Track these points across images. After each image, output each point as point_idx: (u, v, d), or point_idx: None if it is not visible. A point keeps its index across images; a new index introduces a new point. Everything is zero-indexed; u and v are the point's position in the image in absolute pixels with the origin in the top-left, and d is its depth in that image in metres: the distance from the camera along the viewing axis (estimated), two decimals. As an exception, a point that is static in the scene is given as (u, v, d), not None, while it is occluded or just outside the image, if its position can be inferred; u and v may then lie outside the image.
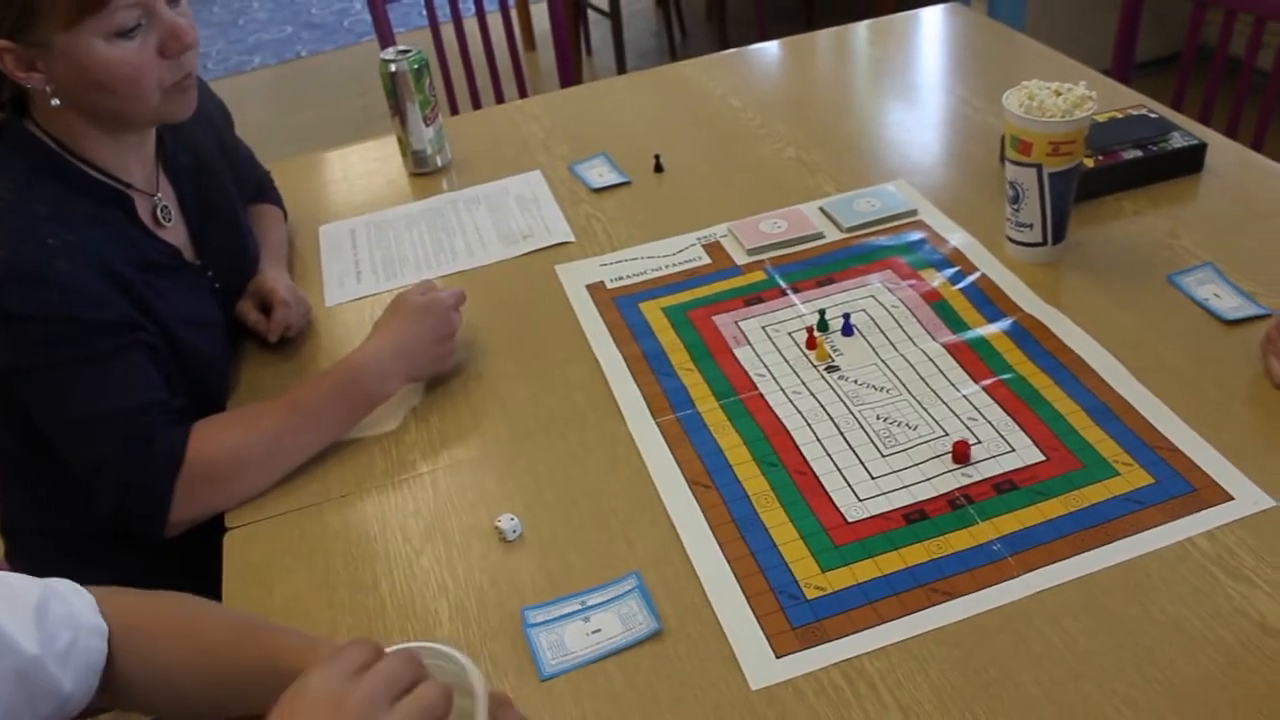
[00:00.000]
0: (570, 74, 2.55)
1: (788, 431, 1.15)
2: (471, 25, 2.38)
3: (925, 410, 1.15)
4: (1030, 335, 1.24)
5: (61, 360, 1.10)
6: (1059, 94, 1.26)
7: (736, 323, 1.32)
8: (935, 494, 1.05)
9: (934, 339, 1.25)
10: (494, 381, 1.28)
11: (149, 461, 1.11)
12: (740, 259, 1.44)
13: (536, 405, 1.24)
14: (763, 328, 1.30)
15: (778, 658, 0.92)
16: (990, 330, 1.26)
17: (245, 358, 1.37)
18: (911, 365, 1.22)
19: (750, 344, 1.28)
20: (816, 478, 1.09)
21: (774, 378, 1.22)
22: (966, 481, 1.06)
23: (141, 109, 1.15)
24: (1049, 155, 1.26)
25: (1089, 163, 1.44)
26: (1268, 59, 1.89)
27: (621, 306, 1.37)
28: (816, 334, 1.27)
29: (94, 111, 1.15)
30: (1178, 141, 1.48)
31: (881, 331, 1.27)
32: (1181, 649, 0.88)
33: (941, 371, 1.21)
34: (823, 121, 1.77)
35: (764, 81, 1.98)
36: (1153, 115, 1.54)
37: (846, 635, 0.93)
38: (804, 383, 1.21)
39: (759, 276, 1.40)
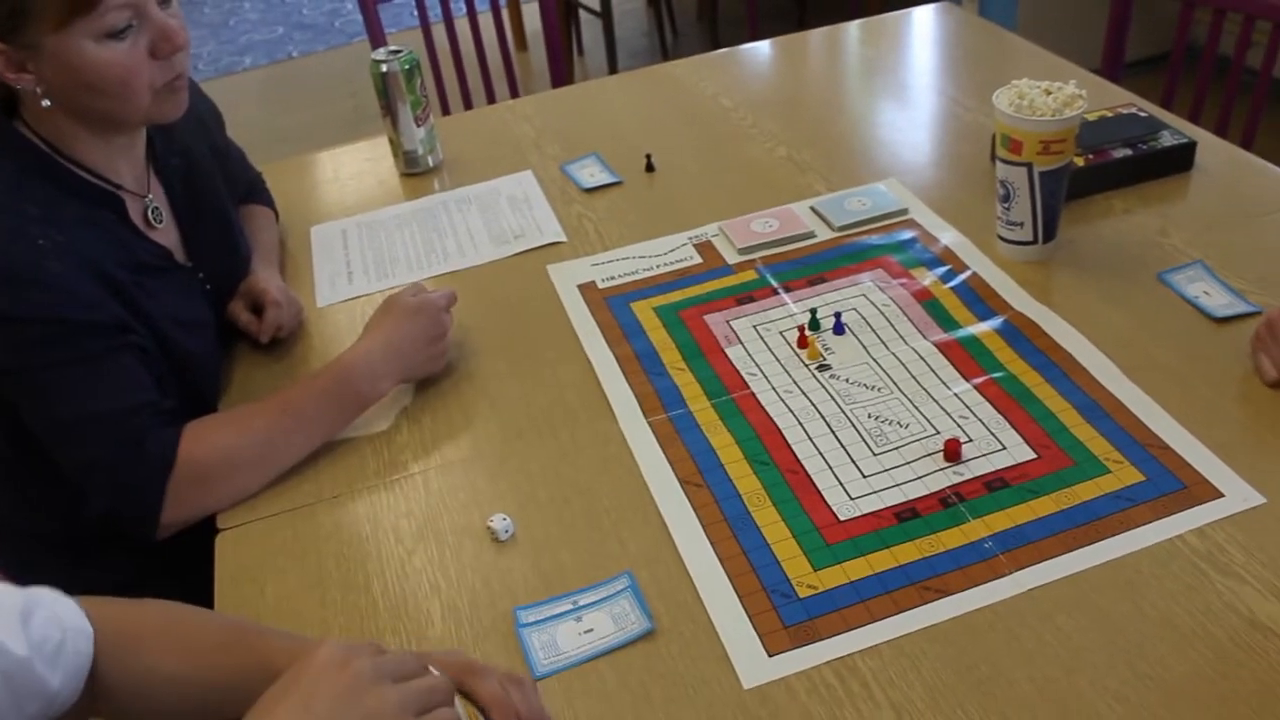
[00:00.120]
0: (562, 74, 2.55)
1: (779, 430, 1.15)
2: (463, 25, 2.38)
3: (917, 408, 1.16)
4: (1021, 333, 1.24)
5: (52, 362, 1.09)
6: (1049, 93, 1.26)
7: (728, 322, 1.32)
8: (927, 492, 1.05)
9: (925, 337, 1.26)
10: (485, 381, 1.28)
11: (140, 463, 1.11)
12: (731, 258, 1.44)
13: (528, 405, 1.24)
14: (754, 327, 1.31)
15: (770, 656, 0.92)
16: (981, 328, 1.26)
17: (237, 359, 1.37)
18: (903, 364, 1.22)
19: (742, 343, 1.28)
20: (808, 476, 1.09)
21: (765, 377, 1.23)
22: (958, 479, 1.06)
23: (132, 110, 1.15)
24: (1039, 154, 1.26)
25: (1079, 161, 1.44)
26: (1257, 58, 1.90)
27: (613, 306, 1.37)
28: (808, 333, 1.27)
29: (85, 113, 1.14)
30: (1167, 140, 1.49)
31: (873, 330, 1.28)
32: (1172, 645, 0.89)
33: (933, 370, 1.21)
34: (814, 121, 1.77)
35: (755, 81, 1.98)
36: (1143, 114, 1.55)
37: (839, 634, 0.93)
38: (795, 381, 1.21)
39: (750, 276, 1.40)
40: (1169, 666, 0.87)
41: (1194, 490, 1.02)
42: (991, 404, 1.15)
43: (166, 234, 1.28)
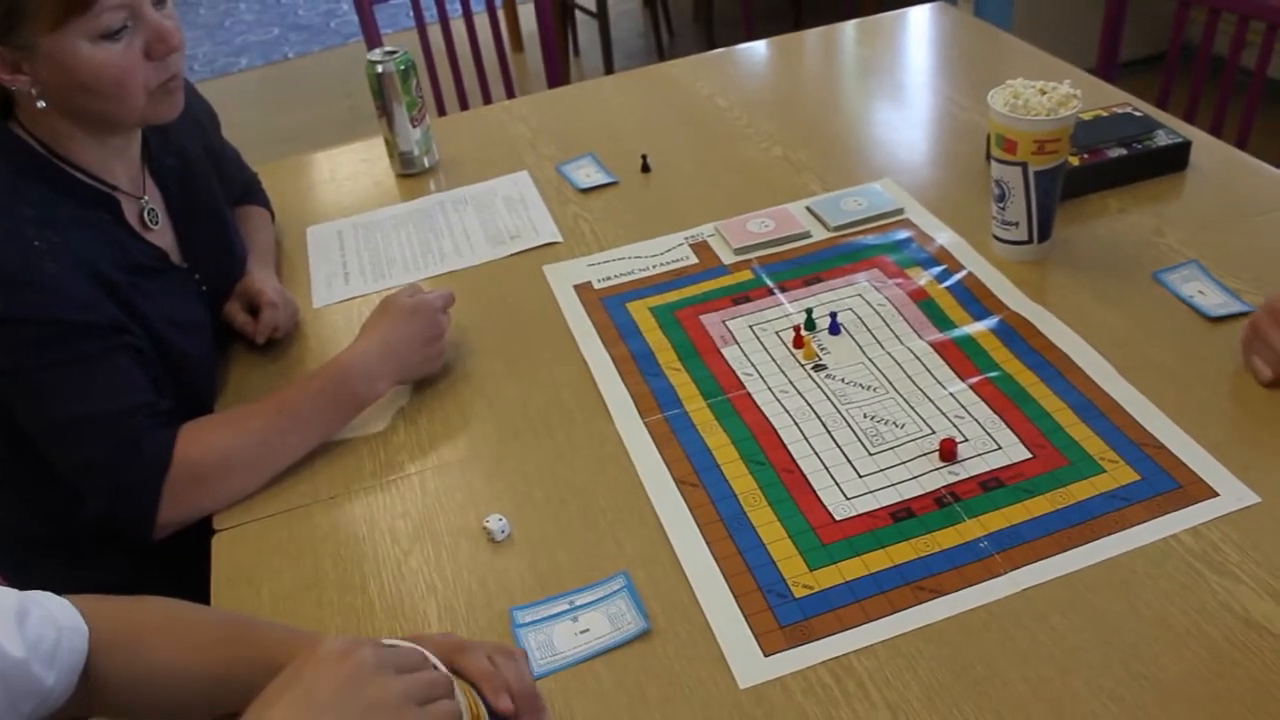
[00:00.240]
0: (557, 74, 2.55)
1: (775, 430, 1.15)
2: (458, 26, 2.38)
3: (912, 408, 1.16)
4: (1016, 333, 1.24)
5: (48, 363, 1.09)
6: (1044, 92, 1.27)
7: (724, 322, 1.32)
8: (922, 492, 1.06)
9: (921, 337, 1.26)
10: (482, 382, 1.28)
11: (136, 464, 1.11)
12: (727, 258, 1.44)
13: (524, 405, 1.24)
14: (750, 327, 1.31)
15: (766, 656, 0.92)
16: (977, 328, 1.26)
17: (233, 359, 1.37)
18: (898, 364, 1.22)
19: (738, 343, 1.28)
20: (804, 476, 1.09)
21: (761, 377, 1.23)
22: (953, 479, 1.06)
23: (127, 111, 1.15)
24: (1034, 154, 1.26)
25: (1074, 161, 1.44)
26: (1251, 57, 1.90)
27: (609, 306, 1.37)
28: (804, 333, 1.27)
29: (80, 114, 1.14)
30: (1162, 140, 1.49)
31: (868, 330, 1.28)
32: (1167, 644, 0.89)
33: (928, 370, 1.21)
34: (809, 121, 1.78)
35: (751, 81, 1.99)
36: (1138, 114, 1.55)
37: (834, 633, 0.93)
38: (791, 382, 1.21)
39: (746, 276, 1.40)
40: (1164, 666, 0.87)
41: (1189, 490, 1.02)
42: (987, 404, 1.15)
43: (162, 235, 1.28)
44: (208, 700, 0.89)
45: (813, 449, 1.12)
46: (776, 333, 1.29)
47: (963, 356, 1.22)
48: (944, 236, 1.43)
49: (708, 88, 1.92)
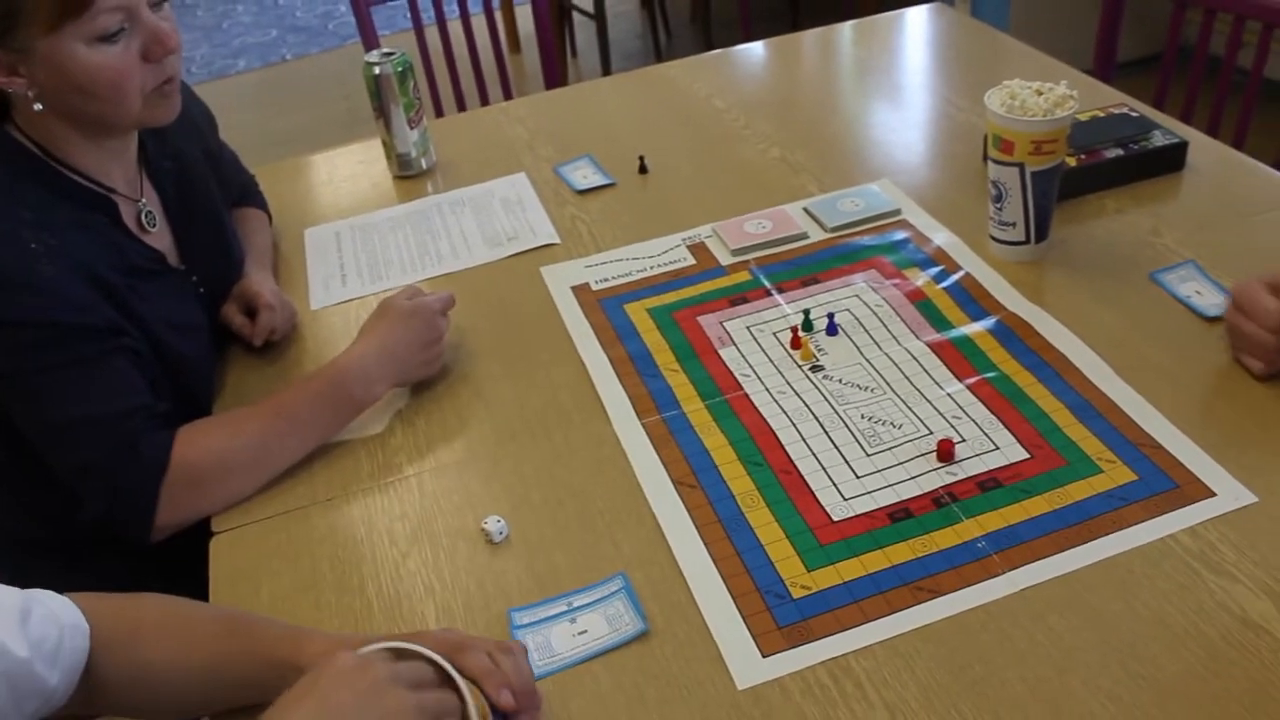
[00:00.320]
0: (555, 76, 2.55)
1: (773, 431, 1.15)
2: (456, 27, 2.38)
3: (910, 409, 1.16)
4: (1014, 333, 1.24)
5: (45, 365, 1.09)
6: (1040, 93, 1.27)
7: (721, 323, 1.32)
8: (920, 492, 1.06)
9: (918, 338, 1.26)
10: (479, 383, 1.28)
11: (134, 466, 1.11)
12: (725, 260, 1.44)
13: (522, 407, 1.24)
14: (747, 328, 1.31)
15: (764, 657, 0.92)
16: (974, 329, 1.26)
17: (230, 362, 1.37)
18: (896, 364, 1.22)
19: (735, 344, 1.28)
20: (802, 477, 1.09)
21: (759, 378, 1.23)
22: (951, 480, 1.07)
23: (124, 114, 1.15)
24: (1031, 154, 1.27)
25: (1071, 161, 1.44)
26: (1248, 58, 1.90)
27: (606, 308, 1.37)
28: (801, 334, 1.27)
29: (76, 116, 1.14)
30: (1159, 140, 1.49)
31: (866, 331, 1.28)
32: (1165, 644, 0.89)
33: (926, 370, 1.21)
34: (807, 122, 1.78)
35: (748, 82, 1.99)
36: (1134, 114, 1.55)
37: (832, 634, 0.93)
38: (789, 382, 1.22)
39: (744, 277, 1.40)
40: (1161, 666, 0.87)
41: (1186, 489, 1.02)
42: (984, 404, 1.15)
43: (159, 237, 1.28)
44: (205, 696, 0.90)
45: (810, 450, 1.12)
46: (774, 334, 1.29)
47: (960, 357, 1.22)
48: (941, 237, 1.43)
49: (705, 89, 1.92)
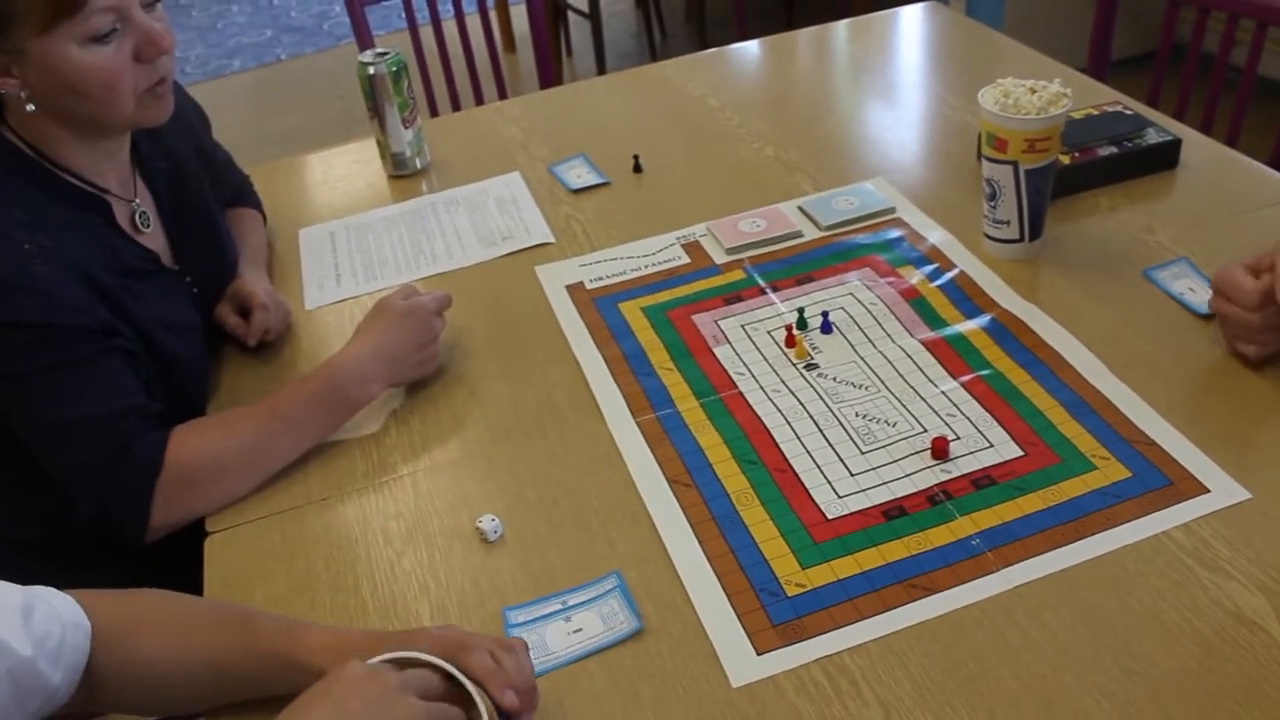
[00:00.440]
0: (550, 75, 2.55)
1: (767, 429, 1.15)
2: (450, 27, 2.38)
3: (904, 407, 1.16)
4: (1008, 331, 1.24)
5: (40, 366, 1.09)
6: (1034, 91, 1.27)
7: (716, 322, 1.32)
8: (914, 490, 1.06)
9: (912, 336, 1.26)
10: (474, 383, 1.28)
11: (128, 467, 1.11)
12: (719, 258, 1.44)
13: (517, 406, 1.24)
14: (742, 326, 1.31)
15: (758, 655, 0.92)
16: (968, 327, 1.26)
17: (224, 362, 1.37)
18: (890, 362, 1.22)
19: (730, 343, 1.28)
20: (796, 475, 1.09)
21: (753, 376, 1.23)
22: (945, 477, 1.07)
23: (117, 114, 1.15)
24: (1025, 152, 1.27)
25: (1065, 159, 1.44)
26: (1241, 56, 1.90)
27: (601, 307, 1.37)
28: (795, 332, 1.27)
29: (69, 117, 1.14)
30: (1153, 138, 1.49)
31: (860, 329, 1.28)
32: (1159, 640, 0.89)
33: (920, 368, 1.21)
34: (801, 120, 1.78)
35: (743, 81, 1.99)
36: (1128, 112, 1.55)
37: (827, 632, 0.93)
38: (783, 381, 1.22)
39: (738, 275, 1.40)
40: (1155, 662, 0.87)
41: (1180, 486, 1.02)
42: (979, 402, 1.15)
43: (153, 238, 1.28)
44: (204, 690, 0.91)
45: (805, 448, 1.12)
46: (768, 332, 1.29)
47: (954, 355, 1.22)
48: (935, 235, 1.43)
49: (700, 88, 1.92)
